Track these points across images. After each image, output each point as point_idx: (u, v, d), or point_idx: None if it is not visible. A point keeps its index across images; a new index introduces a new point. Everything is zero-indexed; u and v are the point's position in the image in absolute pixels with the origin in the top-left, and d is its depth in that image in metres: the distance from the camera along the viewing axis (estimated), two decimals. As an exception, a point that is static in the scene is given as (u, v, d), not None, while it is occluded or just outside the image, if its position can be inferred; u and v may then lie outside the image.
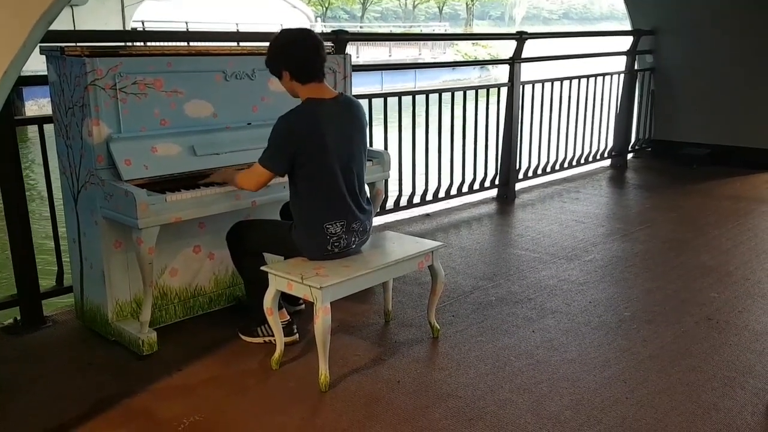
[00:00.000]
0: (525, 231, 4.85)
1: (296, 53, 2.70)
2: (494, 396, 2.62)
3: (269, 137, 2.72)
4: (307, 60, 2.71)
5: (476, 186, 5.62)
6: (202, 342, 3.04)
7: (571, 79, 6.35)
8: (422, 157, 5.10)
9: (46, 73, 2.96)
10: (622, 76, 7.03)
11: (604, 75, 6.79)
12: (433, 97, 5.15)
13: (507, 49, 5.84)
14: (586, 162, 6.80)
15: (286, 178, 2.83)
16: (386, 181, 3.98)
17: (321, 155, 2.70)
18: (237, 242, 3.01)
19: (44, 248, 4.16)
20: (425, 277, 3.31)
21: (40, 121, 3.26)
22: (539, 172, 6.21)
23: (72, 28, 15.40)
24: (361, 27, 41.85)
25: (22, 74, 2.27)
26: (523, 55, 5.66)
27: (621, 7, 7.84)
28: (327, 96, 2.76)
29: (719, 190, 6.02)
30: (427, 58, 27.87)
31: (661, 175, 6.76)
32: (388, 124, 4.72)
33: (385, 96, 4.80)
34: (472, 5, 52.81)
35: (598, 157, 6.92)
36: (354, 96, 3.51)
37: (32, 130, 3.37)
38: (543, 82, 6.07)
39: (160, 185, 2.83)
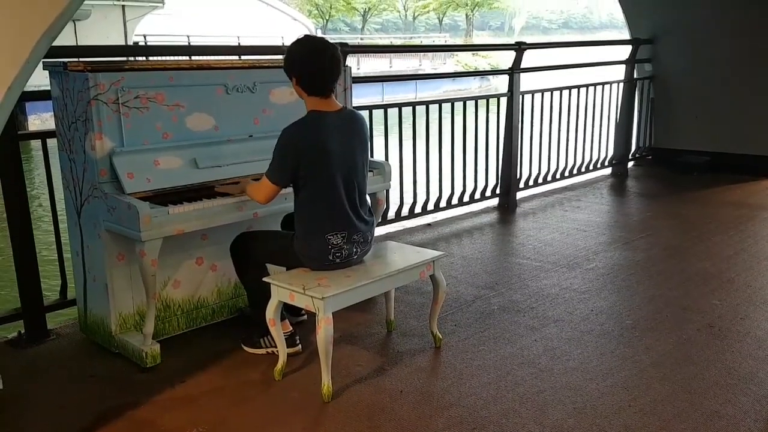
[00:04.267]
0: (526, 240, 4.86)
1: (309, 66, 2.71)
2: (497, 405, 2.63)
3: (273, 150, 2.74)
4: (318, 76, 2.71)
5: (477, 195, 5.64)
6: (205, 353, 3.05)
7: (570, 88, 6.38)
8: (423, 167, 5.12)
9: (49, 87, 2.99)
10: (621, 84, 7.06)
11: (603, 84, 6.82)
12: (434, 108, 5.18)
13: (507, 59, 5.88)
14: (587, 170, 6.82)
15: (289, 189, 2.85)
16: (387, 191, 4.00)
17: (323, 167, 2.72)
18: (240, 253, 3.03)
19: (48, 262, 4.17)
20: (427, 287, 3.32)
21: (43, 135, 3.28)
22: (540, 181, 6.23)
23: (74, 43, 15.50)
24: (361, 38, 42.04)
25: (26, 89, 2.30)
26: (523, 65, 5.69)
27: (620, 16, 7.88)
28: (330, 109, 2.78)
29: (720, 197, 6.03)
30: (428, 68, 27.96)
31: (661, 182, 6.77)
32: (389, 135, 4.75)
33: (385, 107, 4.83)
34: (472, 16, 53.06)
35: (598, 165, 6.94)
36: (355, 107, 3.54)
37: (35, 145, 3.39)
38: (543, 91, 6.10)
39: (162, 198, 2.85)
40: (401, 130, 4.90)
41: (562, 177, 6.49)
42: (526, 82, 5.81)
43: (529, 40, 6.15)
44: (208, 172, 3.00)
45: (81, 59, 2.92)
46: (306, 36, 2.83)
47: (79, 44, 14.50)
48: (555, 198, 6.14)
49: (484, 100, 5.66)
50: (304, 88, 2.75)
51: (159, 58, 3.76)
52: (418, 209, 5.17)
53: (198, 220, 2.86)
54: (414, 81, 23.39)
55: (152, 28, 22.51)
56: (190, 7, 25.78)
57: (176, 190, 2.90)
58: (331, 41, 2.87)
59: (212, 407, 2.62)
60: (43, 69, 2.83)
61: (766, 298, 3.68)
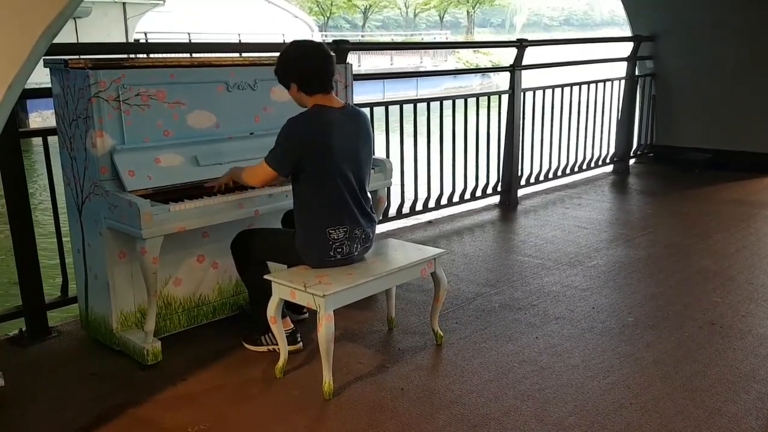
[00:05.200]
0: (527, 237, 4.85)
1: (305, 67, 2.73)
2: (498, 403, 2.63)
3: (277, 136, 2.74)
4: (315, 74, 2.73)
5: (478, 193, 5.64)
6: (206, 351, 3.05)
7: (572, 85, 6.37)
8: (424, 165, 5.12)
9: (50, 85, 2.99)
10: (623, 81, 7.05)
11: (605, 81, 6.80)
12: (435, 105, 5.17)
13: (508, 56, 5.87)
14: (588, 168, 6.81)
15: (289, 186, 2.85)
16: (388, 189, 4.00)
17: (325, 161, 2.72)
18: (241, 251, 3.02)
19: (49, 259, 4.17)
20: (428, 285, 3.32)
21: (44, 133, 3.28)
22: (541, 178, 6.22)
23: (75, 41, 15.48)
24: (362, 36, 42.03)
25: (27, 87, 2.30)
26: (524, 62, 5.68)
27: (622, 13, 7.86)
28: (333, 105, 2.78)
29: (721, 195, 6.02)
30: (429, 65, 27.96)
31: (663, 180, 6.76)
32: (390, 132, 4.75)
33: (386, 104, 4.83)
34: (473, 13, 53.00)
35: (600, 162, 6.93)
36: (356, 105, 3.53)
37: (36, 142, 3.39)
38: (544, 88, 6.09)
39: (163, 195, 2.84)
40: (402, 128, 4.90)
41: (564, 174, 6.48)
42: (528, 79, 5.81)
43: (530, 37, 6.13)
44: (209, 169, 3.00)
45: (82, 56, 2.92)
46: (292, 42, 2.85)
47: (79, 42, 14.50)
48: (556, 195, 6.13)
49: (486, 98, 5.65)
50: (306, 89, 2.75)
51: (160, 55, 3.75)
52: (419, 207, 5.16)
53: (199, 218, 2.86)
54: (415, 78, 23.44)
55: (153, 26, 22.51)
56: (191, 5, 25.77)
57: (177, 188, 2.90)
58: (332, 38, 2.87)
59: (213, 405, 2.62)
60: (44, 66, 2.83)
61: (768, 295, 3.68)
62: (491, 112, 5.63)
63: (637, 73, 7.18)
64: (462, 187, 5.52)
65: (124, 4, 21.32)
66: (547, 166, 6.27)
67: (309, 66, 2.72)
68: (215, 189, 2.95)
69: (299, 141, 2.70)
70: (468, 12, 52.72)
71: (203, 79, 3.08)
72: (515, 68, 5.62)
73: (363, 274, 2.76)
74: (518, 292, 3.78)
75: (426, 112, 5.07)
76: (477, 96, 5.61)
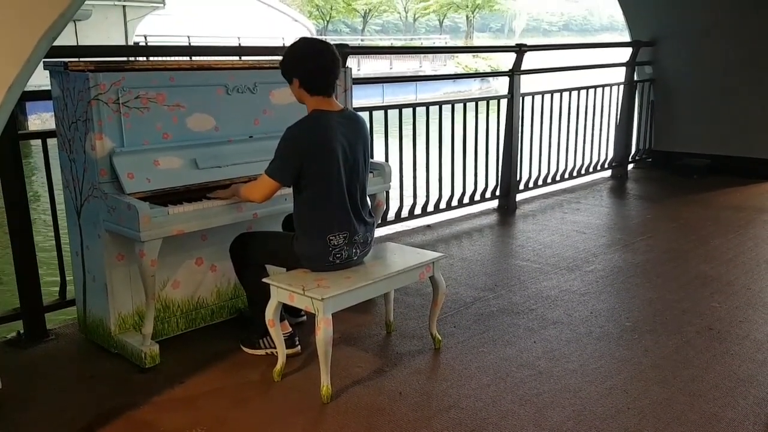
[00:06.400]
0: (526, 242, 4.86)
1: (311, 65, 2.72)
2: (496, 407, 2.63)
3: (276, 148, 2.73)
4: (320, 74, 2.73)
5: (477, 197, 5.64)
6: (205, 354, 3.05)
7: (570, 90, 6.39)
8: (423, 169, 5.12)
9: (49, 87, 2.99)
10: (621, 87, 7.07)
11: (603, 86, 6.82)
12: (434, 109, 5.18)
13: (507, 61, 5.88)
14: (587, 173, 6.82)
15: (289, 190, 2.86)
16: (387, 193, 4.00)
17: (326, 167, 2.72)
18: (240, 254, 3.02)
19: (47, 261, 4.17)
20: (426, 288, 3.32)
21: (43, 135, 3.28)
22: (540, 182, 6.23)
23: (75, 43, 15.50)
24: (362, 40, 42.08)
25: (26, 89, 2.30)
26: (523, 67, 5.69)
27: (621, 19, 7.89)
28: (332, 109, 2.79)
29: (720, 200, 6.03)
30: (428, 70, 27.99)
31: (661, 185, 6.77)
32: (389, 136, 4.75)
33: (385, 108, 4.83)
34: (473, 18, 53.12)
35: (598, 167, 6.94)
36: (355, 109, 3.54)
37: (35, 145, 3.39)
38: (543, 93, 6.11)
39: (162, 198, 2.84)
40: (401, 132, 4.90)
41: (562, 179, 6.49)
42: (527, 84, 5.82)
43: (529, 42, 6.15)
44: (208, 172, 3.00)
45: (81, 59, 2.93)
46: (302, 38, 2.84)
47: (79, 44, 14.49)
48: (555, 200, 6.14)
49: (485, 102, 5.66)
50: (307, 88, 2.75)
51: (159, 58, 3.76)
52: (417, 211, 5.17)
53: (197, 221, 2.86)
54: (414, 82, 23.46)
55: (153, 29, 22.52)
56: (191, 8, 25.81)
57: (176, 191, 2.90)
58: (331, 42, 2.88)
59: (211, 408, 2.62)
60: (44, 69, 2.83)
61: (766, 300, 3.68)
62: (490, 117, 5.64)
63: (635, 78, 7.20)
64: (461, 191, 5.52)
65: (124, 7, 21.32)
66: (546, 171, 6.28)
67: (315, 64, 2.72)
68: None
69: (299, 147, 2.70)
70: (467, 17, 52.84)
71: (203, 82, 3.08)
72: (514, 73, 5.63)
73: (361, 278, 2.77)
74: (516, 296, 3.78)
75: (425, 117, 5.08)
76: (476, 100, 5.62)
